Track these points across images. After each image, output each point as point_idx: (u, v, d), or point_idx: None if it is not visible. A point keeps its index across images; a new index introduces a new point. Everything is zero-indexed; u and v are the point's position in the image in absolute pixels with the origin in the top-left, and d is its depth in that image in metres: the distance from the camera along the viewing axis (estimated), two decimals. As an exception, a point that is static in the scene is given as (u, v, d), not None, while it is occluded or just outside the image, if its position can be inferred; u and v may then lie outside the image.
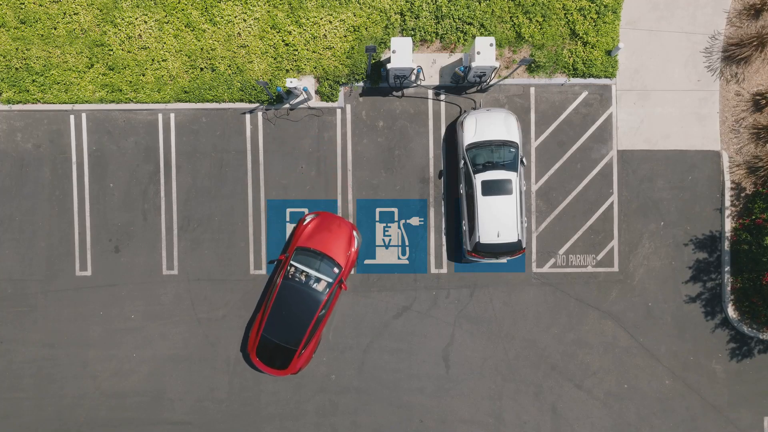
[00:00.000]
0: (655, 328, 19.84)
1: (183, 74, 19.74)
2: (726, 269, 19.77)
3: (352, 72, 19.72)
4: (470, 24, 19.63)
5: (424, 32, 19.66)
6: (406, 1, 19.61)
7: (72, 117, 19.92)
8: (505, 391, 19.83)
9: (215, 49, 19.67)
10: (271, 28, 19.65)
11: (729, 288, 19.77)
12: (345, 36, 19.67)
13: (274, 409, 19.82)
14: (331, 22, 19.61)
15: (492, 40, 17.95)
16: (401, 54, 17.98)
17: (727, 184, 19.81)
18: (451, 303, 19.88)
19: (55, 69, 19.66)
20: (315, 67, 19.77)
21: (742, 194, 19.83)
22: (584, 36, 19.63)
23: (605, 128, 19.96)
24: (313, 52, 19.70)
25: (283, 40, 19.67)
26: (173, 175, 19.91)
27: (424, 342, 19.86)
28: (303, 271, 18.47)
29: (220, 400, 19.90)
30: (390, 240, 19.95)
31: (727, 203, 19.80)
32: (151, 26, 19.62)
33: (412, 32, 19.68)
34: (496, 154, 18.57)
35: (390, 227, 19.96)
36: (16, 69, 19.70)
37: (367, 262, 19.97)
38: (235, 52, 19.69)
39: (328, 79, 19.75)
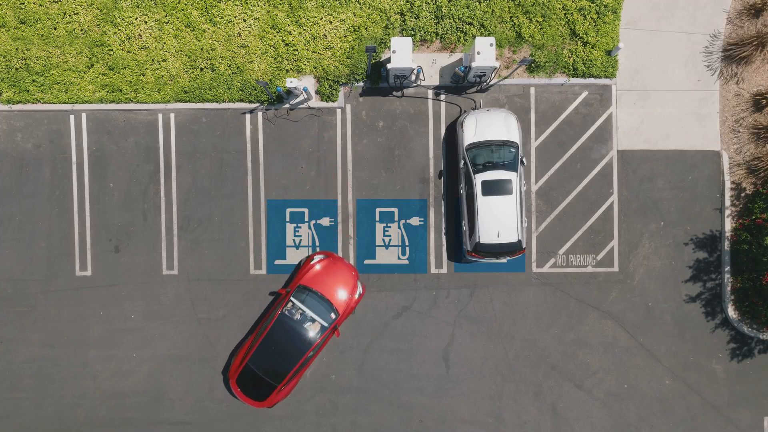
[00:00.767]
0: (655, 328, 19.84)
1: (183, 74, 19.74)
2: (726, 269, 19.76)
3: (352, 72, 19.71)
4: (470, 24, 19.62)
5: (424, 32, 19.66)
6: (406, 1, 19.61)
7: (72, 117, 19.91)
8: (505, 391, 19.83)
9: (215, 49, 19.67)
10: (271, 28, 19.64)
11: (729, 288, 19.76)
12: (345, 36, 19.66)
13: (274, 409, 19.82)
14: (331, 22, 19.61)
15: (492, 40, 17.95)
16: (401, 54, 17.97)
17: (727, 184, 19.81)
18: (451, 303, 19.88)
19: (55, 69, 19.66)
20: (315, 67, 19.76)
21: (742, 194, 19.83)
22: (584, 36, 19.63)
23: (605, 128, 19.96)
24: (313, 52, 19.69)
25: (283, 40, 19.66)
26: (173, 175, 19.91)
27: (424, 342, 19.86)
28: (300, 309, 18.32)
29: (220, 400, 19.90)
30: (390, 240, 19.94)
31: (727, 203, 19.80)
32: (151, 26, 19.62)
33: (412, 32, 19.67)
34: (496, 154, 18.56)
35: (390, 227, 19.95)
36: (16, 69, 19.70)
37: (367, 262, 19.96)
38: (235, 52, 19.68)
39: (328, 79, 19.74)
